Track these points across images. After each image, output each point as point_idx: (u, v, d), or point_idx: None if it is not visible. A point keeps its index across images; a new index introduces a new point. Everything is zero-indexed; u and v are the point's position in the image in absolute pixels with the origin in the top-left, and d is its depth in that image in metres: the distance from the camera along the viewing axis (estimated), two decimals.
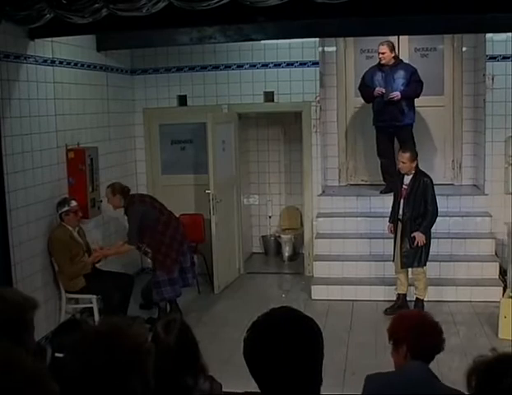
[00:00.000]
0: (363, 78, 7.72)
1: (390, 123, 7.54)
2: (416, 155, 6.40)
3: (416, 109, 7.78)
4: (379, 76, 7.54)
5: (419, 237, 6.30)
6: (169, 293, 6.35)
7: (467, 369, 1.86)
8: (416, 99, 7.60)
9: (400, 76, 7.47)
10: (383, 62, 7.51)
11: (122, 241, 6.59)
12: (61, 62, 6.37)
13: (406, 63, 7.67)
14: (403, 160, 6.32)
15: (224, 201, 7.65)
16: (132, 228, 6.25)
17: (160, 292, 6.33)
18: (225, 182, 7.78)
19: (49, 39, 6.05)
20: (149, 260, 8.45)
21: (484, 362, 1.84)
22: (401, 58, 7.74)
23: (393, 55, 7.51)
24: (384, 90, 7.45)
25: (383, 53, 7.49)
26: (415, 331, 2.89)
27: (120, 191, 6.30)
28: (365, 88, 7.67)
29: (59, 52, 6.32)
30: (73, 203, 6.07)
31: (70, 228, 6.06)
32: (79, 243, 6.12)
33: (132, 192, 8.39)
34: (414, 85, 7.45)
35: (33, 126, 5.87)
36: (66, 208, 6.01)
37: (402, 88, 7.44)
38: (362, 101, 8.04)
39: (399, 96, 7.41)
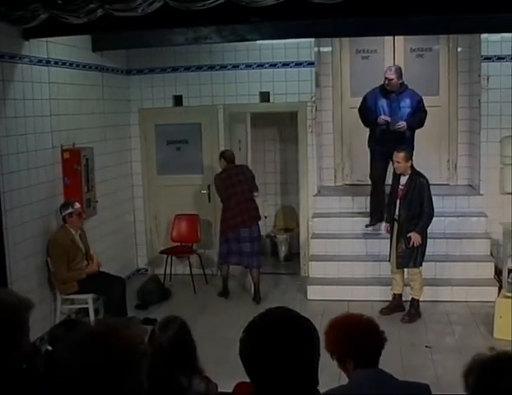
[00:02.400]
0: (364, 100, 7.18)
1: (391, 150, 6.73)
2: (411, 155, 6.41)
3: None
4: (383, 102, 6.99)
5: (415, 237, 6.30)
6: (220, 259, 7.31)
7: (465, 368, 1.85)
8: None
9: (406, 105, 6.95)
10: (388, 88, 6.94)
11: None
12: (56, 63, 6.35)
13: (411, 90, 7.07)
14: (398, 159, 6.33)
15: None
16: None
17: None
18: None
19: (44, 39, 6.03)
20: (147, 259, 8.49)
21: (482, 361, 1.82)
22: (398, 58, 7.69)
23: (400, 82, 6.93)
24: (389, 119, 6.90)
25: (390, 80, 6.88)
26: (353, 342, 2.75)
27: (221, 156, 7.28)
28: (368, 112, 7.12)
29: (54, 52, 6.30)
30: (77, 205, 6.04)
31: (72, 231, 6.03)
32: (79, 247, 6.09)
33: (129, 192, 8.41)
34: (420, 115, 6.97)
35: (28, 126, 5.85)
36: (70, 210, 5.97)
37: (407, 117, 6.92)
38: (358, 101, 7.72)
39: (406, 127, 6.88)
